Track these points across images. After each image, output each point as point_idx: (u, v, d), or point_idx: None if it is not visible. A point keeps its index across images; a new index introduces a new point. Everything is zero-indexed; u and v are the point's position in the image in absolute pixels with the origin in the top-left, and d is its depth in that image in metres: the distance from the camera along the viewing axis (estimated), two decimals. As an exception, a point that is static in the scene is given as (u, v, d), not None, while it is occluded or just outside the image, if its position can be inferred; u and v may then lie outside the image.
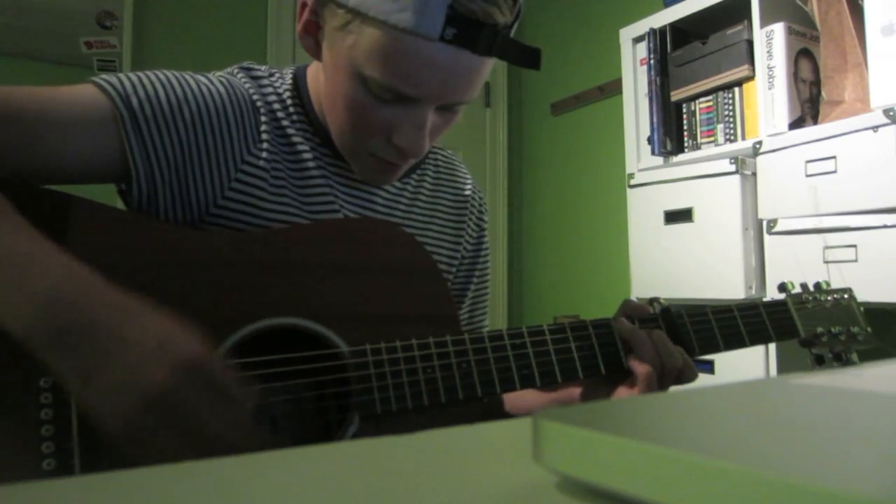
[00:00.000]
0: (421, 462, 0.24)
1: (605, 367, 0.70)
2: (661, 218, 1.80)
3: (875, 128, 1.33)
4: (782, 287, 0.83)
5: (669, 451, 0.17)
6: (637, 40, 2.00)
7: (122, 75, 0.63)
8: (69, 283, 0.49)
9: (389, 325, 0.64)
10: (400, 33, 0.59)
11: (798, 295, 0.83)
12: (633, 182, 1.91)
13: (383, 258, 0.67)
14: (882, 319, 1.67)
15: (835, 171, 1.40)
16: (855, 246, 1.37)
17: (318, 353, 0.61)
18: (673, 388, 0.72)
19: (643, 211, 1.87)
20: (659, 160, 1.93)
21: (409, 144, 0.65)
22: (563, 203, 2.78)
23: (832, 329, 0.81)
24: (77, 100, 0.60)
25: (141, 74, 0.64)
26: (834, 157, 1.40)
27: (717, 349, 0.75)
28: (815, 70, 1.61)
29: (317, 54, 0.68)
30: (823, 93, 1.56)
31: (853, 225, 1.37)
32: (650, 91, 1.93)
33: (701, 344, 0.74)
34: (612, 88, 2.44)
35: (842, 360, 0.80)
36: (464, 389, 0.63)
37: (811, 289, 0.85)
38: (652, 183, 1.85)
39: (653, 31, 1.92)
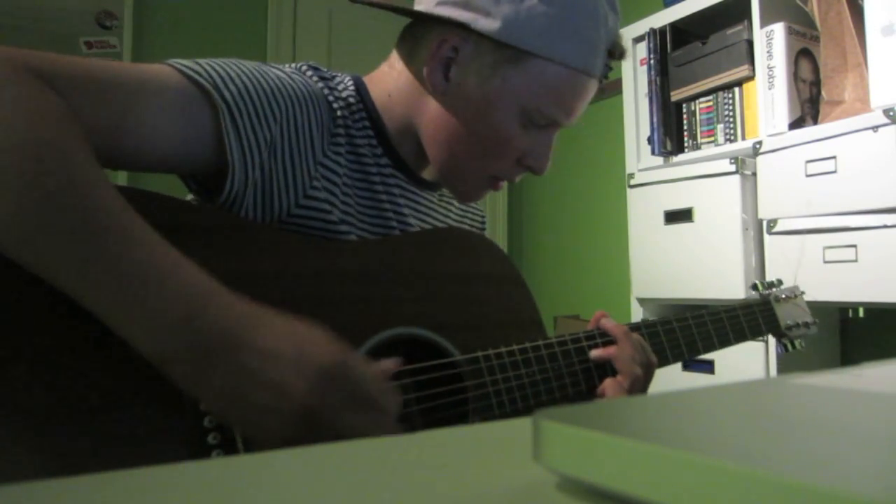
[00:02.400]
0: (421, 462, 0.24)
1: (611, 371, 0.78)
2: (661, 218, 1.80)
3: (875, 128, 1.33)
4: (755, 287, 0.98)
5: (669, 451, 0.17)
6: (637, 40, 2.00)
7: (201, 63, 0.59)
8: (204, 301, 0.47)
9: (489, 331, 0.69)
10: (573, 72, 0.67)
11: (767, 294, 0.96)
12: (633, 182, 1.91)
13: (476, 266, 0.72)
14: (882, 319, 1.67)
15: (835, 171, 1.40)
16: (855, 246, 1.37)
17: (437, 362, 0.64)
18: (672, 389, 0.74)
19: (643, 211, 1.87)
20: (659, 160, 1.93)
21: (542, 165, 0.73)
22: (563, 203, 2.78)
23: (798, 321, 0.96)
24: (167, 83, 0.56)
25: (216, 64, 0.60)
26: (834, 157, 1.40)
27: (728, 343, 0.87)
28: (815, 70, 1.61)
29: (440, 87, 0.69)
30: (823, 93, 1.56)
31: (853, 225, 1.37)
32: (650, 91, 1.93)
33: (720, 338, 0.86)
34: (612, 88, 2.44)
35: (793, 346, 0.97)
36: (573, 386, 0.71)
37: (767, 285, 0.99)
38: (652, 183, 1.85)
39: (653, 31, 1.92)
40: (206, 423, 0.50)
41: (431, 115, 0.70)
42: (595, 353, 0.74)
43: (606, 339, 0.76)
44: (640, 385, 0.75)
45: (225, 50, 2.41)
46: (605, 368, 0.75)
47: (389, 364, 0.54)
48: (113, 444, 0.46)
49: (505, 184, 0.75)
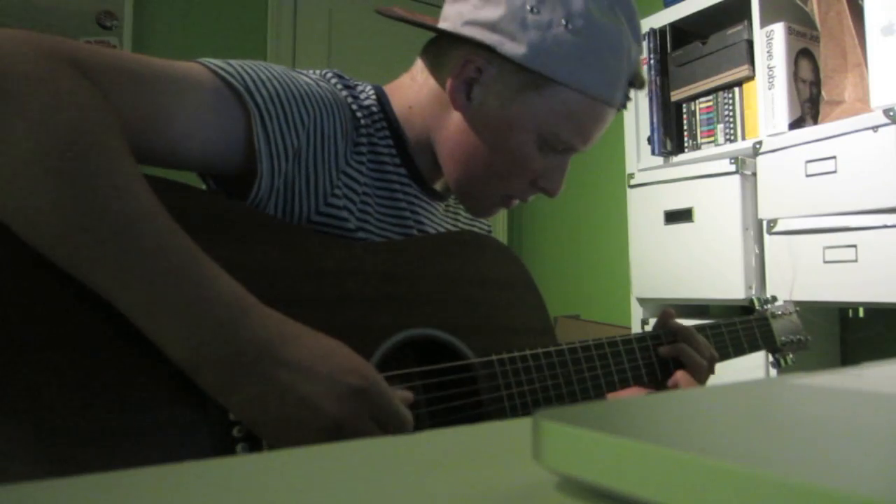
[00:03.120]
0: (420, 462, 0.24)
1: (675, 366, 0.82)
2: (661, 218, 1.80)
3: (875, 128, 1.33)
4: (752, 303, 1.02)
5: (669, 451, 0.17)
6: (637, 40, 2.00)
7: (232, 64, 0.59)
8: (240, 312, 0.47)
9: (503, 336, 0.70)
10: (594, 101, 0.68)
11: (764, 311, 0.99)
12: (633, 182, 1.91)
13: (492, 270, 0.73)
14: (882, 319, 1.67)
15: (835, 171, 1.40)
16: (855, 246, 1.37)
17: (453, 364, 0.64)
18: (673, 388, 0.77)
19: (643, 211, 1.87)
20: (659, 160, 1.93)
21: (555, 187, 0.74)
22: (563, 203, 2.77)
23: (792, 338, 0.98)
24: (201, 82, 0.56)
25: (247, 66, 0.59)
26: (834, 157, 1.40)
27: (728, 357, 0.89)
28: (815, 70, 1.61)
29: (462, 106, 0.69)
30: (823, 93, 1.56)
31: (853, 225, 1.37)
32: (650, 91, 1.93)
33: (720, 353, 0.87)
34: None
35: (786, 362, 1.00)
36: (582, 392, 0.72)
37: (764, 301, 1.02)
38: (652, 183, 1.85)
39: (653, 31, 1.92)
40: (231, 417, 0.50)
41: (451, 131, 0.71)
42: (665, 350, 0.79)
43: (615, 348, 0.77)
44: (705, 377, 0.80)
45: (225, 50, 2.42)
46: (614, 377, 0.75)
47: (407, 395, 0.55)
48: (139, 436, 0.46)
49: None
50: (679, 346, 0.79)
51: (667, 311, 0.84)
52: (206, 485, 0.21)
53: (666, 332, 0.81)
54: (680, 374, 0.78)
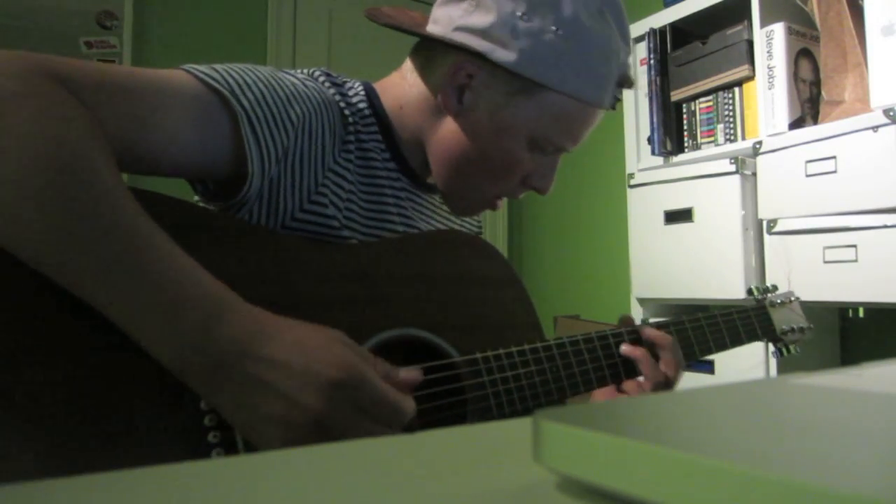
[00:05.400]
0: (421, 462, 0.24)
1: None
2: (661, 218, 1.80)
3: (875, 128, 1.33)
4: (750, 291, 0.99)
5: (669, 451, 0.17)
6: (637, 40, 2.00)
7: (217, 68, 0.59)
8: (219, 311, 0.48)
9: (487, 333, 0.70)
10: (584, 105, 0.70)
11: (763, 299, 0.97)
12: (633, 182, 1.91)
13: (476, 269, 0.73)
14: (882, 319, 1.67)
15: (835, 171, 1.40)
16: (855, 246, 1.37)
17: (436, 363, 0.63)
18: (673, 388, 0.76)
19: (643, 211, 1.87)
20: (659, 160, 1.93)
21: (546, 185, 0.75)
22: (563, 203, 2.78)
23: (794, 326, 0.96)
24: (185, 89, 0.56)
25: (233, 69, 0.60)
26: (834, 157, 1.40)
27: (724, 347, 0.87)
28: (815, 70, 1.61)
29: (453, 110, 0.70)
30: (823, 93, 1.56)
31: (853, 225, 1.37)
32: (650, 91, 1.93)
33: (716, 343, 0.85)
34: (612, 88, 2.43)
35: (788, 351, 0.97)
36: (571, 388, 0.71)
37: (763, 290, 0.99)
38: (652, 183, 1.85)
39: (653, 31, 1.92)
40: (206, 422, 0.50)
41: (442, 134, 0.71)
42: (625, 349, 0.76)
43: (604, 341, 0.76)
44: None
45: (225, 50, 2.42)
46: (605, 371, 0.74)
47: (410, 375, 0.54)
48: (112, 442, 0.46)
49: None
50: (636, 350, 0.76)
51: (626, 316, 0.81)
52: (205, 485, 0.21)
53: (587, 336, 0.76)
54: (631, 384, 0.75)
